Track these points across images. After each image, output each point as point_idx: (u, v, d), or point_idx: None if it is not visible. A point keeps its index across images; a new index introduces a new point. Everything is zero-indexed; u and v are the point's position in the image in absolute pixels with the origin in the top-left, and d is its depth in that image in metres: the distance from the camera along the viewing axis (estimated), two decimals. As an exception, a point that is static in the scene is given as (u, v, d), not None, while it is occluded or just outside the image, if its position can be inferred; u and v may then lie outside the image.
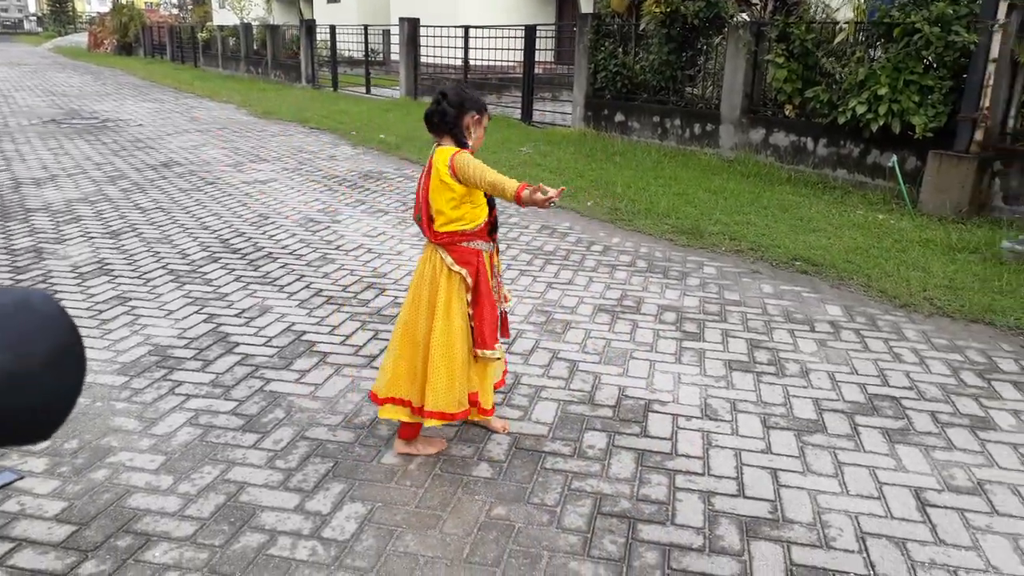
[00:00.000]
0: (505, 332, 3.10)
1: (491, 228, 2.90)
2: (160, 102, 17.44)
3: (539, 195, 2.58)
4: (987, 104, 6.88)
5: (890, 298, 4.95)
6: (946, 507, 2.77)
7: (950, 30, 7.08)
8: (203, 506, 2.68)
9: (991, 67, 6.80)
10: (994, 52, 6.76)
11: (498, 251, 3.04)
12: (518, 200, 2.62)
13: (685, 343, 4.22)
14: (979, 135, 6.93)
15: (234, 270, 5.29)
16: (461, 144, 2.80)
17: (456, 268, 2.84)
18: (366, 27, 19.17)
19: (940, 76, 7.28)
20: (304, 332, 4.23)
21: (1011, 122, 7.10)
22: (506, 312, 3.08)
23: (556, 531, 2.59)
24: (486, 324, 2.90)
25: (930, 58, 7.37)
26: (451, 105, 2.76)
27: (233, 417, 3.30)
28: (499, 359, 3.01)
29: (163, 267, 5.32)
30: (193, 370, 3.74)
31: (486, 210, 2.86)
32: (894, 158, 7.62)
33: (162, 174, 8.79)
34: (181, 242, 5.97)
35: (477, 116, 2.83)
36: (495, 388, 3.19)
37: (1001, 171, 6.98)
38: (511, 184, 2.65)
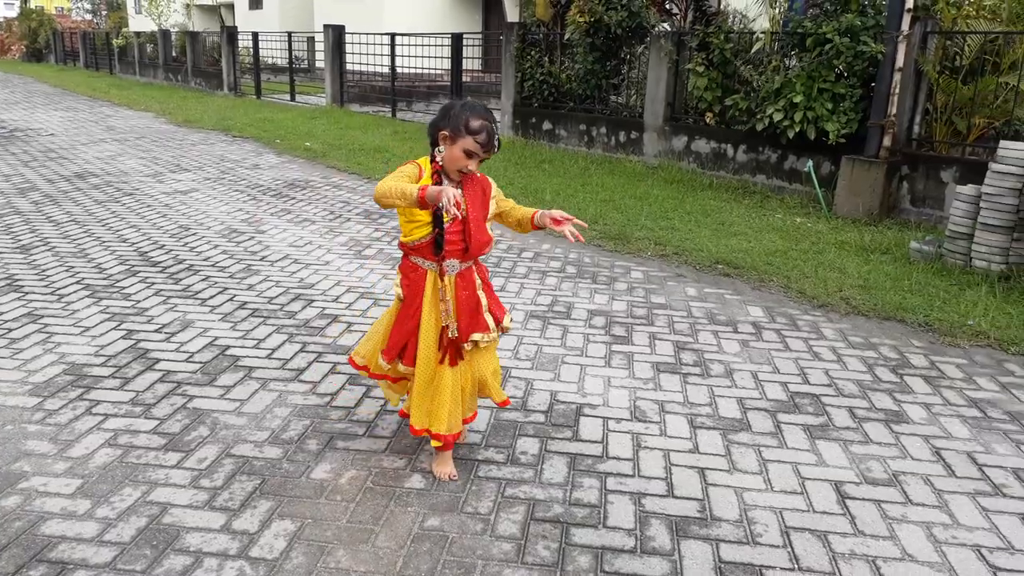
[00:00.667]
0: (452, 359, 2.82)
1: (436, 247, 2.72)
2: (74, 110, 16.79)
3: (443, 198, 2.43)
4: (894, 111, 7.20)
5: (808, 298, 5.12)
6: (864, 499, 2.88)
7: (859, 40, 7.40)
8: (123, 530, 2.58)
9: (897, 76, 7.13)
10: (899, 62, 7.09)
11: (465, 282, 2.79)
12: (422, 202, 2.51)
13: (614, 347, 4.28)
14: (887, 141, 7.25)
15: (154, 284, 5.13)
16: (432, 156, 2.72)
17: (395, 278, 2.90)
18: (290, 34, 18.88)
19: (851, 84, 7.59)
20: (228, 346, 4.13)
21: (916, 128, 7.45)
22: (452, 338, 2.79)
23: (490, 539, 2.59)
24: (392, 334, 2.90)
25: (841, 67, 7.68)
26: (438, 115, 2.73)
27: (154, 436, 3.19)
28: (398, 369, 2.93)
29: (78, 282, 5.12)
30: (111, 388, 3.60)
31: (426, 229, 2.70)
32: (810, 163, 7.91)
33: (76, 185, 8.45)
34: (97, 256, 5.75)
35: (448, 133, 2.64)
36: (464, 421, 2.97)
37: (908, 175, 7.31)
38: (414, 188, 2.54)
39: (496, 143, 2.69)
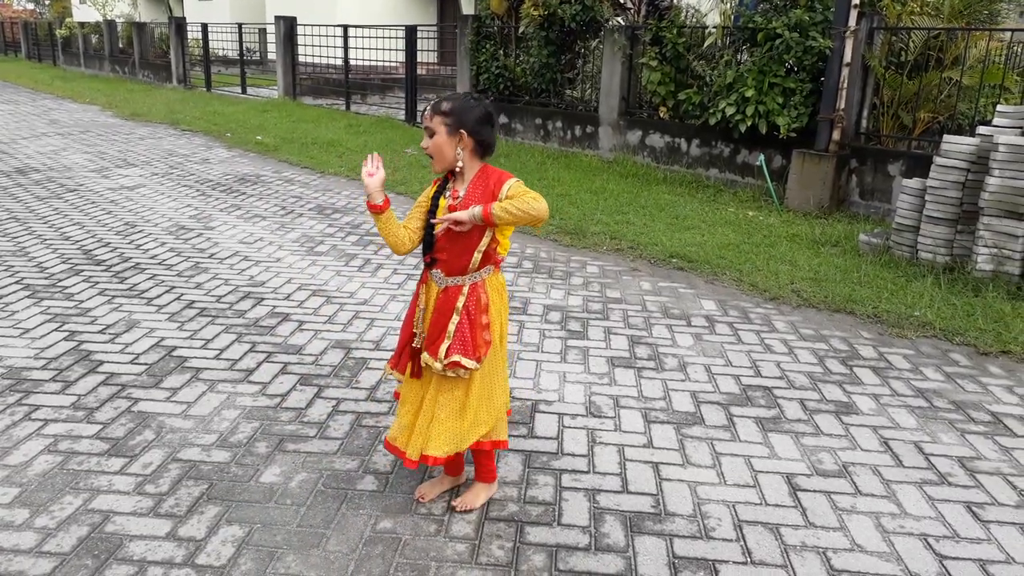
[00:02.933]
0: (413, 370, 2.64)
1: (424, 244, 2.58)
2: (14, 103, 16.26)
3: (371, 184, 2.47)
4: (843, 105, 7.32)
5: (761, 291, 5.18)
6: (815, 491, 2.91)
7: (808, 36, 7.49)
8: (63, 540, 2.49)
9: (845, 71, 7.25)
10: (847, 57, 7.21)
11: (445, 298, 2.55)
12: (372, 208, 2.52)
13: (570, 342, 4.27)
14: (837, 135, 7.37)
15: (98, 283, 4.98)
16: None
17: None
18: (240, 25, 18.52)
19: (801, 79, 7.70)
20: (175, 347, 4.02)
21: (864, 122, 7.59)
22: (419, 352, 2.60)
23: (444, 540, 2.56)
24: (400, 338, 2.72)
25: (791, 62, 7.78)
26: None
27: (97, 441, 3.09)
28: (396, 377, 2.74)
29: (17, 282, 4.94)
30: (52, 393, 3.48)
31: (417, 235, 2.57)
32: (761, 157, 8.01)
33: (17, 181, 8.18)
34: (38, 255, 5.56)
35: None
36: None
37: (857, 168, 7.45)
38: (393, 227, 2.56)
39: (424, 113, 2.56)
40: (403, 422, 2.65)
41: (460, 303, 2.53)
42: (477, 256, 2.53)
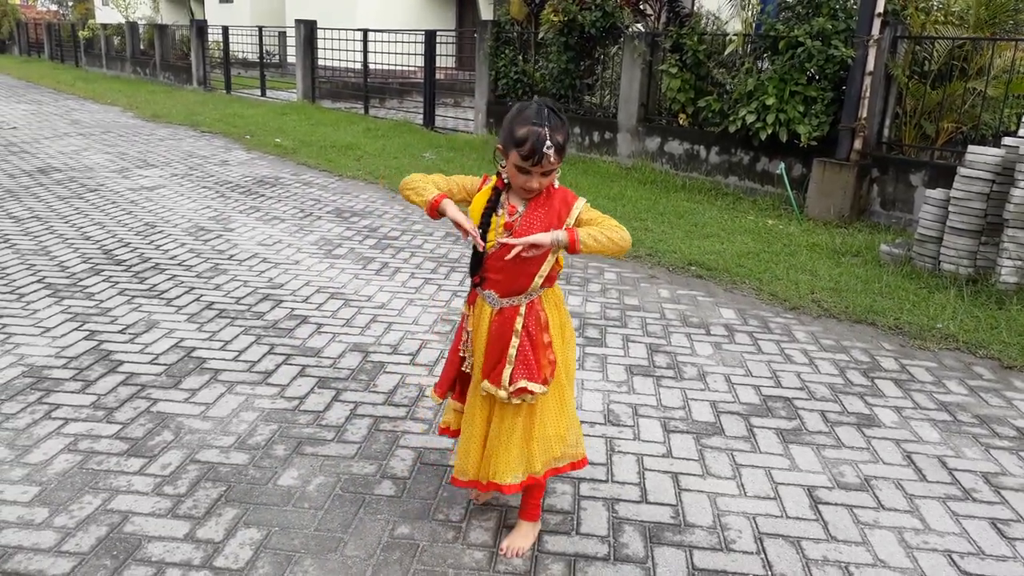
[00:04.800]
0: (457, 394, 2.56)
1: (472, 264, 2.39)
2: (38, 103, 16.44)
3: (463, 219, 2.24)
4: (864, 114, 7.27)
5: (780, 301, 5.14)
6: (837, 504, 2.88)
7: (830, 44, 7.45)
8: (82, 540, 2.49)
9: (867, 80, 7.19)
10: (870, 66, 7.15)
11: (501, 321, 2.37)
12: (432, 211, 2.32)
13: (588, 349, 4.25)
14: (858, 144, 7.31)
15: (118, 283, 5.01)
16: (498, 172, 2.36)
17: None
18: (260, 28, 18.65)
19: (822, 87, 7.65)
20: (194, 348, 4.03)
21: (886, 132, 7.53)
22: (465, 371, 2.51)
23: (462, 547, 2.55)
24: (447, 363, 2.60)
25: (813, 70, 7.73)
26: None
27: (116, 441, 3.10)
28: (451, 405, 2.65)
29: (39, 281, 4.98)
30: (72, 392, 3.50)
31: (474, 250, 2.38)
32: (782, 165, 7.96)
33: (39, 181, 8.25)
34: (60, 254, 5.60)
35: (500, 146, 2.28)
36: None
37: (878, 178, 7.38)
38: (432, 192, 2.34)
39: (543, 154, 2.16)
40: (472, 456, 2.48)
41: (519, 324, 2.34)
42: (539, 280, 2.33)
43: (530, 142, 2.16)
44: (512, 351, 2.34)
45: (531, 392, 2.33)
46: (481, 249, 2.30)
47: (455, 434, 2.67)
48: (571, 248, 2.20)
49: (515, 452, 2.40)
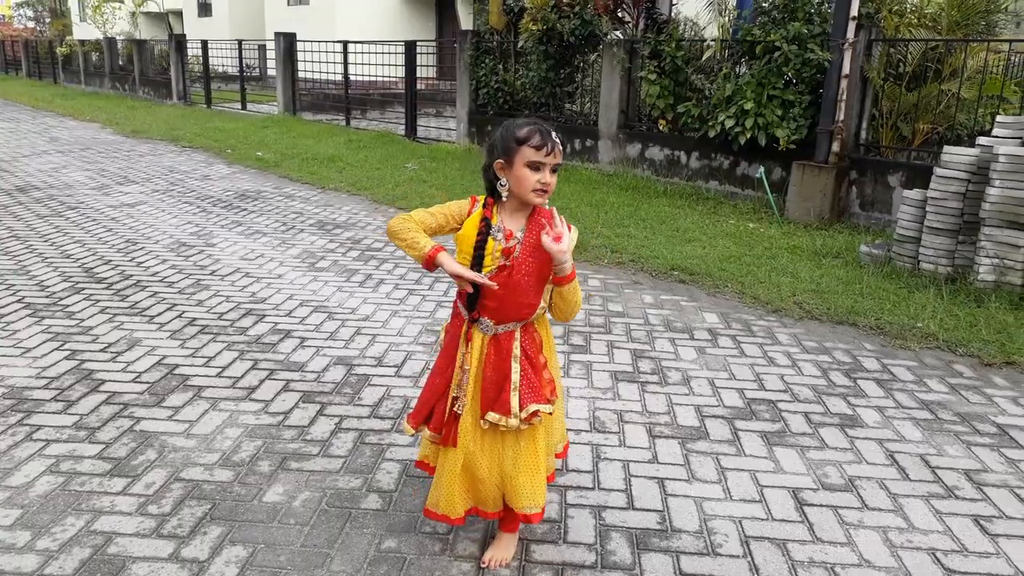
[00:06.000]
0: (444, 438, 2.42)
1: (468, 302, 2.35)
2: (15, 121, 16.31)
3: (466, 272, 2.22)
4: (842, 117, 7.34)
5: (763, 303, 5.17)
6: (822, 505, 2.89)
7: (806, 48, 7.52)
8: (65, 562, 2.47)
9: (844, 83, 7.27)
10: (846, 69, 7.23)
11: (498, 349, 2.34)
12: (428, 264, 2.27)
13: (573, 356, 4.26)
14: (836, 146, 7.38)
15: (99, 301, 4.97)
16: (491, 192, 2.34)
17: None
18: (240, 42, 18.61)
19: (800, 91, 7.72)
20: (177, 365, 4.01)
21: (863, 134, 7.61)
22: (456, 413, 2.39)
23: (449, 559, 2.54)
24: (424, 391, 2.50)
25: (790, 74, 7.80)
26: (485, 156, 2.34)
27: (99, 462, 3.07)
28: (425, 436, 2.54)
29: (18, 300, 4.94)
30: (53, 412, 3.47)
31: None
32: (761, 169, 8.02)
33: (17, 199, 8.18)
34: (39, 273, 5.56)
35: (503, 161, 2.26)
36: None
37: (857, 179, 7.46)
38: (427, 245, 2.27)
39: (554, 141, 2.22)
40: (446, 489, 2.42)
41: (517, 349, 2.33)
42: (539, 312, 2.37)
43: (538, 133, 2.22)
44: (516, 377, 2.32)
45: (541, 414, 2.33)
46: (495, 287, 2.25)
47: (434, 470, 2.57)
48: (568, 278, 2.26)
49: (525, 478, 2.38)
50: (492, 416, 2.32)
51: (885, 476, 3.11)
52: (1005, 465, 3.22)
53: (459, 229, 2.35)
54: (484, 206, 2.32)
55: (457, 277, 2.24)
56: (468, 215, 2.34)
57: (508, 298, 2.29)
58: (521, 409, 2.30)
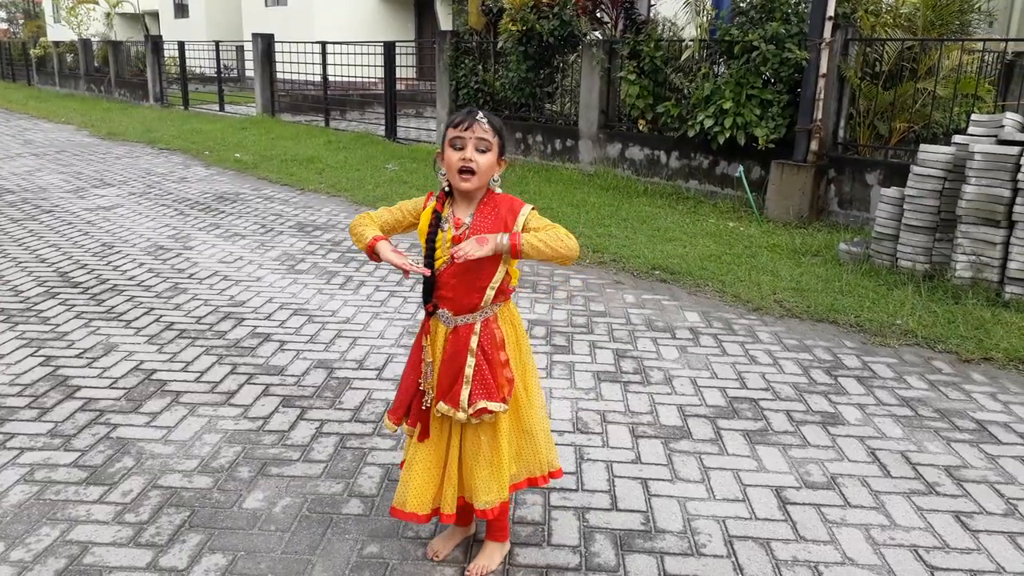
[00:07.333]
0: (422, 431, 2.40)
1: (425, 291, 2.35)
2: (-13, 124, 16.06)
3: (396, 258, 2.22)
4: (820, 116, 7.39)
5: (743, 302, 5.19)
6: (804, 503, 2.90)
7: (784, 47, 7.56)
8: (40, 573, 2.42)
9: (821, 82, 7.32)
10: (823, 68, 7.28)
11: (455, 340, 2.32)
12: (370, 253, 2.28)
13: (555, 357, 4.25)
14: (815, 145, 7.43)
15: (75, 306, 4.89)
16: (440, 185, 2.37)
17: None
18: (217, 43, 18.44)
19: (778, 91, 7.76)
20: (154, 371, 3.95)
21: (841, 132, 7.66)
22: (424, 408, 2.38)
23: (431, 565, 2.52)
24: (400, 387, 2.48)
25: (768, 74, 7.84)
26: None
27: (75, 470, 3.02)
28: (407, 432, 2.49)
29: (-9, 307, 4.85)
30: (27, 420, 3.41)
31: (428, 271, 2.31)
32: (740, 168, 8.05)
33: (-10, 203, 8.06)
34: (13, 278, 5.46)
35: (439, 151, 2.31)
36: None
37: (835, 178, 7.51)
38: (370, 234, 2.30)
39: (475, 119, 2.21)
40: (416, 483, 2.38)
41: (474, 343, 2.29)
42: (490, 293, 2.29)
43: (461, 113, 2.25)
44: (468, 371, 2.29)
45: (491, 411, 2.29)
46: (428, 275, 2.27)
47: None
48: (513, 252, 2.21)
49: (485, 472, 2.35)
50: (442, 407, 2.31)
51: (867, 473, 3.12)
52: (984, 461, 3.25)
53: (417, 223, 2.37)
54: (437, 199, 2.33)
55: (396, 265, 2.24)
56: (424, 209, 2.36)
57: (461, 287, 2.29)
58: (470, 404, 2.28)
